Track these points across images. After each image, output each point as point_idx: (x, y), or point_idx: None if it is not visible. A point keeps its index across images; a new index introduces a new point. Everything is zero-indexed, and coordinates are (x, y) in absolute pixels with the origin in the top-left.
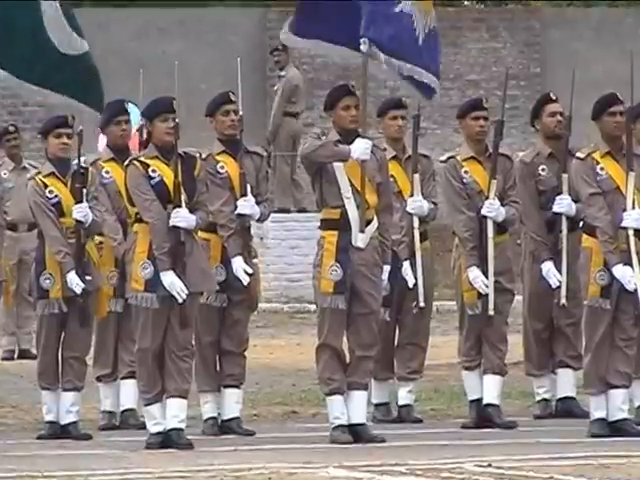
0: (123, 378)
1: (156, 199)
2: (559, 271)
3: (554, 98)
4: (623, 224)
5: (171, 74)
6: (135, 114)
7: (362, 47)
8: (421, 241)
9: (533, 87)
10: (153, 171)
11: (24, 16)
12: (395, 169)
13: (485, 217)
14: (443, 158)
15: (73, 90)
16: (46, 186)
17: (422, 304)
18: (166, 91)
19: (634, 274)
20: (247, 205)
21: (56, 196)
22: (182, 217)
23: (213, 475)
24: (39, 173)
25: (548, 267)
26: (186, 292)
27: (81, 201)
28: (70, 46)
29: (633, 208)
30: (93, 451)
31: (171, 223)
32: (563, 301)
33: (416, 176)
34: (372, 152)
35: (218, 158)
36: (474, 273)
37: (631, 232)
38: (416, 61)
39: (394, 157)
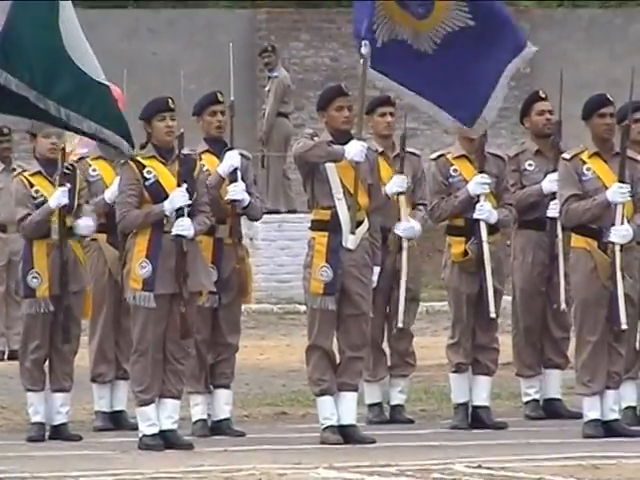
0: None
1: (136, 206)
2: (557, 275)
3: (543, 96)
4: (610, 239)
5: (161, 75)
6: None
7: (362, 50)
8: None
9: (522, 87)
10: (148, 172)
11: (38, 27)
12: (381, 165)
13: (477, 220)
14: (434, 156)
15: (100, 117)
16: (32, 185)
17: (400, 325)
18: (156, 92)
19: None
20: (237, 191)
21: (42, 195)
22: (186, 226)
23: (203, 476)
24: (25, 171)
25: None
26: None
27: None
28: (93, 70)
29: (622, 223)
30: (83, 452)
31: (174, 232)
32: (563, 306)
33: (402, 198)
34: (365, 154)
35: (201, 157)
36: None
37: (617, 247)
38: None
39: (381, 153)
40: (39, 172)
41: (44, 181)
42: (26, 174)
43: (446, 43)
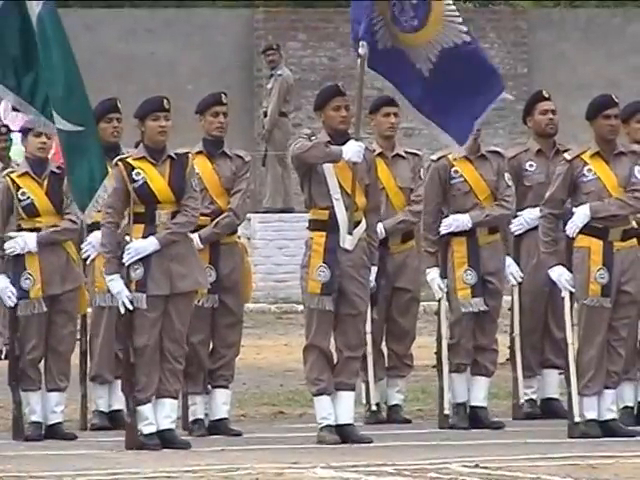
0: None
1: (116, 208)
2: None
3: (547, 96)
4: None
5: (159, 75)
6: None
7: (360, 50)
8: (407, 240)
9: (520, 88)
10: (137, 174)
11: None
12: (379, 166)
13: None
14: (434, 157)
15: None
16: (19, 188)
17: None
18: (154, 91)
19: (570, 278)
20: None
21: (28, 198)
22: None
23: (201, 475)
24: (13, 172)
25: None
26: (130, 306)
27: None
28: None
29: None
30: (80, 451)
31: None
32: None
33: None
34: (362, 154)
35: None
36: (432, 275)
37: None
38: (420, 106)
39: (379, 154)
40: (26, 173)
41: (32, 182)
42: (13, 175)
43: (441, 61)
